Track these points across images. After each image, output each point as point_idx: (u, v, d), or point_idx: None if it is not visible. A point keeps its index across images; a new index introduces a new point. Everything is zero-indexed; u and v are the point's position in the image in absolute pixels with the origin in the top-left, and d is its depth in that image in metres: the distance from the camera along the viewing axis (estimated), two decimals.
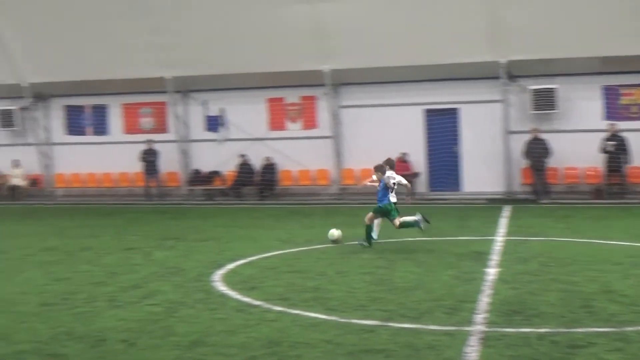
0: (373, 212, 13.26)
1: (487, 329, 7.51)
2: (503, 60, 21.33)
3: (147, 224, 18.43)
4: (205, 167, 24.92)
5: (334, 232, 13.82)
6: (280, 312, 8.52)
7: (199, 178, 25.02)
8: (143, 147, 24.60)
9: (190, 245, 14.18)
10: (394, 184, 13.11)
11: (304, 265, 11.75)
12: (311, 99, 23.98)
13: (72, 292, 9.84)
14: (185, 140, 25.09)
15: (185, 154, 25.02)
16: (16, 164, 26.23)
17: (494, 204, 20.96)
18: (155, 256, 12.97)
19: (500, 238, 14.12)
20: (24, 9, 23.27)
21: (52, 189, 26.47)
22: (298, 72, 22.64)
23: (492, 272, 10.53)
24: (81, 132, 26.24)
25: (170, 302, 9.14)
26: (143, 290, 9.93)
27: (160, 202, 24.21)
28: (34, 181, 26.69)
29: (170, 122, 25.14)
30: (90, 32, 23.13)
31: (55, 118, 26.44)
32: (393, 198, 13.11)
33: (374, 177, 13.56)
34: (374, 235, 13.51)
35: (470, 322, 7.77)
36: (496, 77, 21.63)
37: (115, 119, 25.94)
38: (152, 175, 24.78)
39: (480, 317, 7.98)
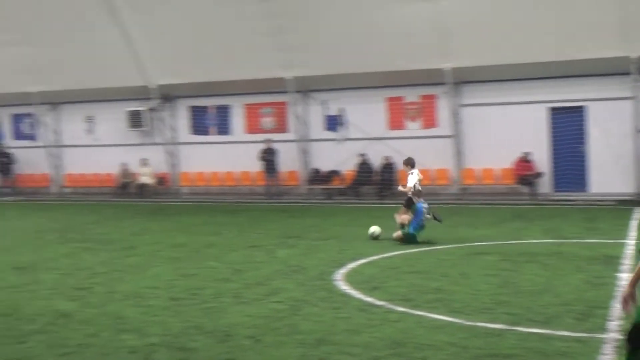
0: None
1: (622, 337, 7.17)
2: (634, 55, 20.39)
3: (269, 222, 18.74)
4: (325, 166, 25.11)
5: (375, 230, 14.70)
6: (403, 312, 8.46)
7: (318, 177, 25.24)
8: (263, 146, 25.06)
9: (311, 244, 14.31)
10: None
11: (425, 265, 11.63)
12: (431, 97, 23.71)
13: (199, 288, 10.12)
14: (305, 140, 25.37)
15: (304, 153, 25.30)
16: (144, 162, 27.32)
17: (623, 205, 20.06)
18: (278, 254, 13.16)
19: (632, 241, 13.48)
20: (153, 13, 24.18)
21: (177, 187, 27.39)
22: (418, 70, 22.43)
23: (624, 277, 10.07)
24: (205, 132, 27.00)
25: (294, 299, 9.24)
26: (267, 288, 10.10)
27: (280, 201, 24.59)
28: (161, 179, 27.68)
29: (291, 121, 25.48)
30: (214, 35, 23.75)
31: (181, 118, 27.32)
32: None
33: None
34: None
35: (603, 329, 7.46)
36: (626, 73, 20.69)
37: (238, 119, 26.53)
38: (271, 174, 25.22)
39: (613, 324, 7.63)
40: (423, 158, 23.25)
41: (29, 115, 29.47)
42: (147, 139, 27.56)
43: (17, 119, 30.02)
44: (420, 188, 14.81)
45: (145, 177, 27.35)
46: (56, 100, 28.68)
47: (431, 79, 22.78)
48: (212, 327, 7.95)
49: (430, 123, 23.78)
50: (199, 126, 27.03)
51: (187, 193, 27.34)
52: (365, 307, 8.81)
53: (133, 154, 27.39)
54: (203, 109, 26.97)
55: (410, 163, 15.31)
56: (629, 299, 4.98)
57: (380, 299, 9.13)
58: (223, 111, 26.67)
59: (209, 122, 26.96)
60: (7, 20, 25.85)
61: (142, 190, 27.26)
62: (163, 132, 27.17)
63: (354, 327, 7.84)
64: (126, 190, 27.47)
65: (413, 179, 14.80)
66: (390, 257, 12.56)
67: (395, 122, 24.20)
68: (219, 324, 8.05)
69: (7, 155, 29.39)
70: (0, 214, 22.44)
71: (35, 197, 28.77)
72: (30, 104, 28.53)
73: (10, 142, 29.96)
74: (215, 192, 26.75)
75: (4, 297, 9.81)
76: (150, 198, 26.74)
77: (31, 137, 29.79)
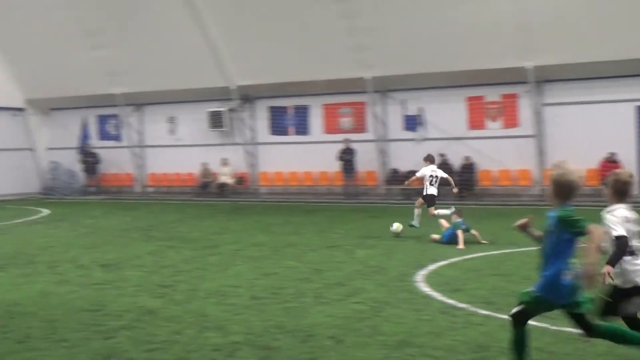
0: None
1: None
2: None
3: (348, 222, 18.74)
4: (403, 166, 24.96)
5: (398, 227, 15.26)
6: (486, 316, 8.31)
7: (396, 177, 25.10)
8: (341, 146, 25.10)
9: (391, 245, 14.23)
10: (432, 177, 15.63)
11: (508, 268, 11.41)
12: (512, 96, 23.29)
13: (280, 287, 10.18)
14: (383, 140, 25.29)
15: (383, 154, 25.23)
16: (225, 162, 27.75)
17: None
18: (357, 254, 13.14)
19: None
20: (233, 14, 24.52)
21: (256, 187, 27.70)
22: (499, 69, 22.09)
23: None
24: (284, 132, 27.23)
25: (375, 300, 9.20)
26: (347, 288, 10.08)
27: (359, 201, 24.56)
28: (241, 179, 28.05)
29: (369, 121, 25.43)
30: (293, 35, 23.93)
31: (260, 119, 27.64)
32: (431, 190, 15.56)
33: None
34: (416, 223, 15.62)
35: None
36: None
37: (316, 119, 26.65)
38: (349, 174, 25.23)
39: None
40: (504, 158, 22.99)
41: (113, 116, 30.33)
42: (227, 139, 27.99)
43: (103, 120, 30.93)
44: (430, 187, 15.74)
45: (225, 177, 27.77)
46: (140, 102, 29.43)
47: (513, 77, 22.40)
48: (294, 326, 7.98)
49: (511, 122, 23.37)
50: (278, 126, 27.29)
51: (266, 193, 27.62)
52: (447, 309, 8.70)
53: (213, 154, 27.86)
54: (282, 109, 27.20)
55: (428, 159, 16.32)
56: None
57: (462, 302, 8.99)
58: (302, 111, 26.84)
59: (287, 122, 27.18)
60: (92, 24, 26.63)
61: (222, 189, 27.68)
62: (243, 132, 27.52)
63: (437, 329, 7.74)
64: (206, 189, 27.96)
65: (422, 171, 15.97)
66: (471, 259, 12.39)
67: (476, 122, 23.88)
68: (300, 324, 8.08)
69: (93, 155, 30.30)
70: (87, 212, 23.12)
71: (119, 196, 29.59)
72: (115, 106, 29.35)
73: (95, 142, 30.87)
74: (293, 192, 26.93)
75: (91, 293, 10.07)
76: (230, 197, 27.13)
77: (116, 138, 30.66)
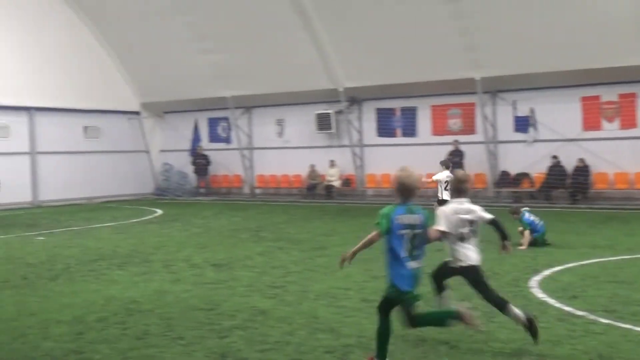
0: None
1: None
2: None
3: None
4: (513, 168, 24.39)
5: None
6: (607, 324, 7.96)
7: (506, 180, 24.54)
8: (450, 148, 24.74)
9: None
10: (447, 182, 15.97)
11: (628, 275, 10.93)
12: (631, 96, 22.32)
13: None
14: (493, 142, 24.75)
15: (492, 155, 24.69)
16: (332, 164, 27.88)
17: None
18: None
19: None
20: (341, 16, 24.58)
21: (363, 189, 27.68)
22: (616, 67, 21.19)
23: None
24: (391, 134, 27.08)
25: (488, 306, 8.96)
26: (458, 293, 9.86)
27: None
28: (347, 181, 28.10)
29: (478, 123, 24.96)
30: (401, 36, 23.76)
31: (367, 120, 27.60)
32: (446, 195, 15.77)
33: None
34: None
35: None
36: None
37: (424, 121, 26.37)
38: None
39: None
40: (620, 160, 22.07)
41: (224, 119, 31.01)
42: (334, 141, 28.11)
43: (213, 122, 31.67)
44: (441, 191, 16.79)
45: (332, 179, 27.88)
46: (249, 105, 29.96)
47: (631, 76, 21.49)
48: (405, 330, 7.86)
49: (629, 123, 22.41)
50: (385, 128, 27.17)
51: (372, 195, 27.56)
52: (564, 316, 8.39)
53: (320, 156, 28.03)
54: (389, 111, 27.07)
55: (444, 164, 17.47)
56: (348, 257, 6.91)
57: (580, 309, 8.66)
58: (409, 113, 26.63)
59: (394, 124, 27.03)
60: (204, 29, 27.31)
61: (329, 191, 27.79)
62: (350, 134, 27.55)
63: (555, 337, 7.47)
64: (313, 191, 28.14)
65: (438, 175, 16.98)
66: (587, 265, 11.93)
67: (591, 123, 23.02)
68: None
69: (203, 157, 31.05)
70: (198, 213, 23.70)
71: (229, 197, 30.22)
72: (225, 108, 29.99)
73: (206, 144, 31.64)
74: None
75: (205, 292, 10.28)
76: (337, 199, 27.21)
77: (225, 140, 31.31)
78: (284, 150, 29.58)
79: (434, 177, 17.09)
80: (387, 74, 24.97)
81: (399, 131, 26.97)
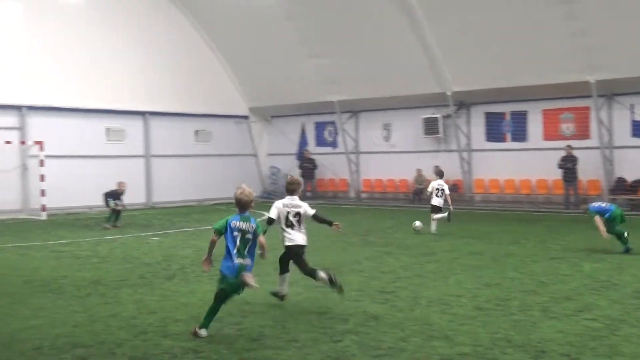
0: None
1: None
2: None
3: (570, 233, 17.88)
4: (631, 175, 23.41)
5: (417, 224, 18.32)
6: None
7: (622, 187, 23.60)
8: (562, 153, 24.02)
9: (621, 259, 13.35)
10: (438, 190, 18.34)
11: None
12: None
13: (504, 299, 9.86)
14: (608, 147, 23.85)
15: (608, 161, 23.79)
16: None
17: None
18: (584, 268, 12.46)
19: None
20: (449, 20, 24.26)
21: (471, 195, 27.22)
22: None
23: None
24: (500, 139, 26.53)
25: (610, 318, 8.63)
26: (576, 303, 9.56)
27: (580, 211, 23.31)
28: (455, 186, 27.67)
29: (593, 127, 24.11)
30: (511, 39, 23.25)
31: (475, 125, 27.14)
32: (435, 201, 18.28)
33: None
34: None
35: None
36: None
37: (535, 125, 25.70)
38: (570, 182, 24.07)
39: None
40: None
41: (330, 123, 31.19)
42: (442, 146, 27.79)
43: (320, 126, 31.91)
44: (435, 198, 18.44)
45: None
46: (355, 109, 30.02)
47: None
48: (523, 341, 7.67)
49: None
50: (494, 133, 26.65)
51: (480, 200, 27.07)
52: None
53: (426, 161, 27.76)
54: (499, 115, 26.53)
55: (438, 174, 19.32)
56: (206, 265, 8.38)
57: None
58: (519, 117, 26.02)
59: (504, 128, 26.48)
60: (311, 34, 27.57)
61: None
62: (457, 138, 27.17)
63: None
64: (420, 196, 27.89)
65: (431, 185, 18.75)
66: None
67: None
68: (530, 339, 7.75)
69: (310, 161, 31.32)
70: None
71: (335, 201, 30.34)
72: (332, 113, 30.17)
73: (313, 148, 31.90)
74: (509, 200, 26.21)
75: (316, 295, 10.33)
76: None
77: (332, 144, 31.48)
78: (390, 155, 29.48)
79: (429, 187, 18.90)
80: (497, 77, 24.48)
81: (508, 136, 26.39)
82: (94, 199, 25.90)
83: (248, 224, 8.24)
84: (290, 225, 9.85)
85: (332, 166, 31.19)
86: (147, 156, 29.48)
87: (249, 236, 8.21)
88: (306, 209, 9.95)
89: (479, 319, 8.70)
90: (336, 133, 31.12)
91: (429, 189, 18.80)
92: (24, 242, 17.36)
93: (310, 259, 13.80)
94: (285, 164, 32.45)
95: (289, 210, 9.82)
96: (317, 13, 26.81)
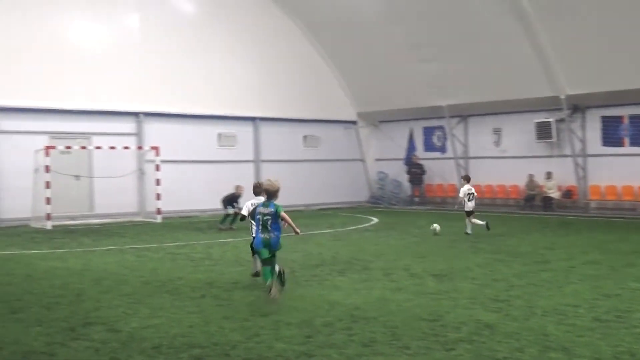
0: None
1: None
2: None
3: None
4: None
5: (436, 227, 19.33)
6: None
7: None
8: None
9: None
10: (469, 194, 19.54)
11: None
12: None
13: (625, 310, 9.45)
14: None
15: None
16: (549, 175, 26.79)
17: None
18: None
19: None
20: (563, 21, 23.56)
21: (586, 201, 26.30)
22: None
23: None
24: (618, 143, 25.50)
25: None
26: None
27: None
28: (568, 192, 26.84)
29: None
30: (628, 39, 22.36)
31: (591, 129, 26.21)
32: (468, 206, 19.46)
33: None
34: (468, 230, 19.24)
35: None
36: None
37: None
38: None
39: None
40: None
41: (439, 128, 30.87)
42: (555, 151, 27.02)
43: (428, 131, 31.64)
44: (465, 203, 19.55)
45: (550, 190, 26.80)
46: (465, 113, 29.60)
47: None
48: None
49: None
50: (611, 137, 25.66)
51: (596, 207, 26.11)
52: None
53: (538, 166, 27.08)
54: (616, 119, 25.54)
55: (465, 178, 20.61)
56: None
57: None
58: (638, 121, 24.92)
59: (622, 132, 25.45)
60: (420, 38, 27.38)
61: (547, 203, 26.73)
62: (572, 143, 26.32)
63: None
64: (531, 202, 27.21)
65: (462, 190, 19.80)
66: None
67: None
68: None
69: (418, 167, 31.08)
70: (413, 222, 23.76)
71: (444, 206, 29.97)
72: (441, 117, 29.85)
73: (421, 153, 31.65)
74: (627, 208, 25.20)
75: (427, 302, 10.21)
76: (556, 211, 26.10)
77: (440, 149, 31.14)
78: (500, 160, 28.89)
79: (460, 193, 19.92)
80: (614, 79, 23.56)
81: (626, 140, 25.34)
82: (206, 203, 26.82)
83: (267, 209, 10.60)
84: (260, 221, 10.86)
85: (440, 171, 30.85)
86: (257, 161, 30.03)
87: (268, 217, 10.53)
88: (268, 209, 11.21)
89: (598, 331, 8.36)
90: (445, 138, 30.77)
91: (461, 194, 19.74)
92: (142, 244, 18.01)
93: (420, 265, 13.78)
94: (392, 170, 32.36)
95: (256, 209, 11.07)
96: (427, 17, 26.57)
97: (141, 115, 26.85)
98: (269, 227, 10.55)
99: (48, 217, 22.82)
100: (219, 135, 29.02)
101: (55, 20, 25.61)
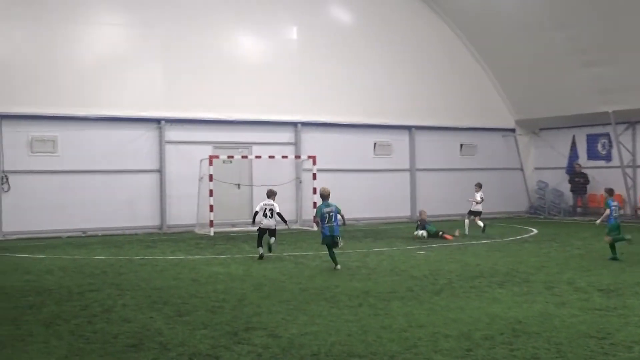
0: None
1: None
2: None
3: None
4: None
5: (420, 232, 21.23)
6: None
7: None
8: None
9: None
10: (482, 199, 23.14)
11: None
12: None
13: None
14: None
15: None
16: None
17: None
18: None
19: None
20: None
21: None
22: None
23: None
24: None
25: None
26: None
27: None
28: None
29: None
30: None
31: None
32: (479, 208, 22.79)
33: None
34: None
35: None
36: None
37: None
38: None
39: None
40: None
41: (604, 135, 29.45)
42: None
43: (592, 139, 30.23)
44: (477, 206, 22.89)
45: None
46: (633, 119, 28.06)
47: None
48: None
49: None
50: None
51: None
52: None
53: None
54: None
55: (478, 185, 23.74)
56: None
57: None
58: None
59: None
60: (585, 42, 26.28)
61: None
62: None
63: None
64: None
65: (477, 196, 23.13)
66: None
67: None
68: None
69: (582, 175, 29.79)
70: (575, 233, 22.79)
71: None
72: (606, 124, 28.45)
73: (584, 162, 30.31)
74: None
75: (594, 319, 9.72)
76: None
77: (605, 157, 29.67)
78: None
79: (476, 198, 23.03)
80: None
81: None
82: (362, 212, 27.05)
83: (329, 207, 15.27)
84: (265, 216, 16.72)
85: (605, 181, 29.27)
86: (412, 170, 29.87)
87: (332, 213, 15.19)
88: (276, 207, 16.85)
89: None
90: (610, 145, 29.27)
91: (478, 199, 23.05)
92: (299, 252, 18.37)
93: (584, 279, 13.13)
94: (553, 179, 31.19)
95: (265, 207, 16.75)
96: (592, 20, 25.44)
97: (299, 125, 27.45)
98: (332, 219, 15.11)
99: (211, 224, 23.78)
100: (375, 144, 29.14)
101: (219, 36, 26.75)
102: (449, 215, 29.41)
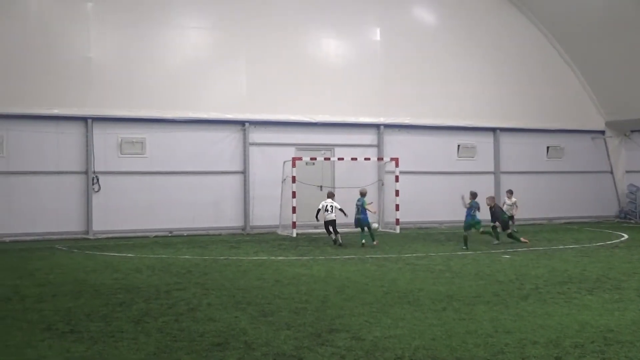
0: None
1: None
2: None
3: None
4: None
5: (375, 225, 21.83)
6: None
7: None
8: None
9: None
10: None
11: None
12: None
13: None
14: None
15: None
16: None
17: None
18: None
19: None
20: None
21: None
22: None
23: None
24: None
25: None
26: None
27: None
28: None
29: None
30: None
31: None
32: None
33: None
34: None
35: None
36: None
37: None
38: None
39: None
40: None
41: None
42: None
43: None
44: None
45: None
46: None
47: None
48: None
49: None
50: None
51: None
52: None
53: None
54: None
55: (509, 192, 24.05)
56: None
57: None
58: None
59: None
60: None
61: None
62: None
63: None
64: None
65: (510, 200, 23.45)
66: None
67: None
68: None
69: None
70: None
71: None
72: None
73: None
74: None
75: None
76: None
77: None
78: None
79: (509, 202, 23.32)
80: None
81: None
82: (445, 214, 26.74)
83: (359, 202, 20.26)
84: (327, 210, 20.66)
85: None
86: (497, 172, 29.34)
87: (360, 206, 20.16)
88: (336, 205, 20.81)
89: None
90: None
91: (510, 203, 23.35)
92: (382, 254, 18.30)
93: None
94: None
95: (327, 204, 20.76)
96: None
97: (381, 127, 27.36)
98: (360, 212, 20.19)
99: (294, 225, 23.94)
100: (459, 146, 28.76)
101: (303, 39, 26.95)
102: (534, 219, 28.78)
